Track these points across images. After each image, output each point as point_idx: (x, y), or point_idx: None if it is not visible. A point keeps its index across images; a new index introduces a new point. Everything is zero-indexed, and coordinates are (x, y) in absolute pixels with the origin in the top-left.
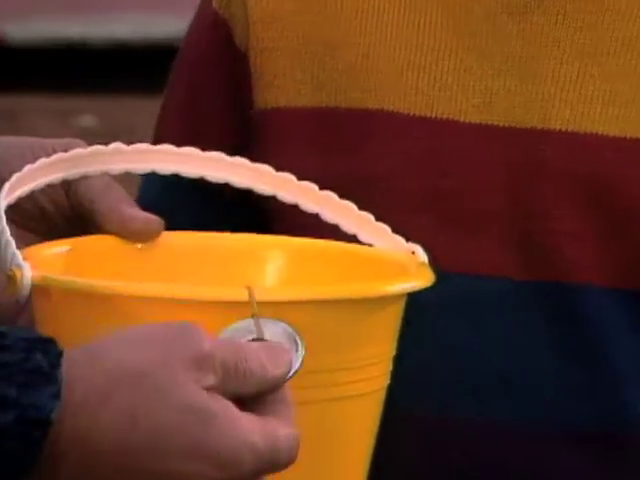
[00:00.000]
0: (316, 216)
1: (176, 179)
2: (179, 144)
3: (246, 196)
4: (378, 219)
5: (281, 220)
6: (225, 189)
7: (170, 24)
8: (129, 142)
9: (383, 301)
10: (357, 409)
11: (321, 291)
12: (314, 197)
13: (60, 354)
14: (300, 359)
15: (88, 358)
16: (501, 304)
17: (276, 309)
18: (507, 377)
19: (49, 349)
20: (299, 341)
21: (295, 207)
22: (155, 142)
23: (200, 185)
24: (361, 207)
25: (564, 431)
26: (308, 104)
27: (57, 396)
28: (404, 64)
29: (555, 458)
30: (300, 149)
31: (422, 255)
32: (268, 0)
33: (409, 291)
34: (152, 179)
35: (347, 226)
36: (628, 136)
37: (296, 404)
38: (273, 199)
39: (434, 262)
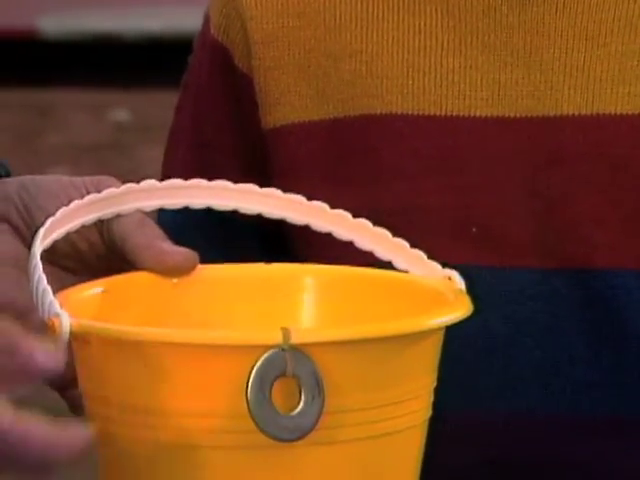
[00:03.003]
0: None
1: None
2: (188, 170)
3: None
4: (395, 222)
5: (308, 243)
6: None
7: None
8: (162, 136)
9: (422, 335)
10: (401, 444)
11: (357, 330)
12: (347, 225)
13: None
14: (320, 402)
15: None
16: (527, 295)
17: (310, 350)
18: (540, 367)
19: None
20: (319, 386)
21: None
22: (164, 167)
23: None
24: (376, 211)
25: (599, 418)
26: (316, 117)
27: None
28: (409, 67)
29: (590, 446)
30: (312, 161)
31: (459, 281)
32: (268, 20)
33: (448, 324)
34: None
35: (382, 253)
36: None
37: (339, 443)
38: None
39: (455, 257)
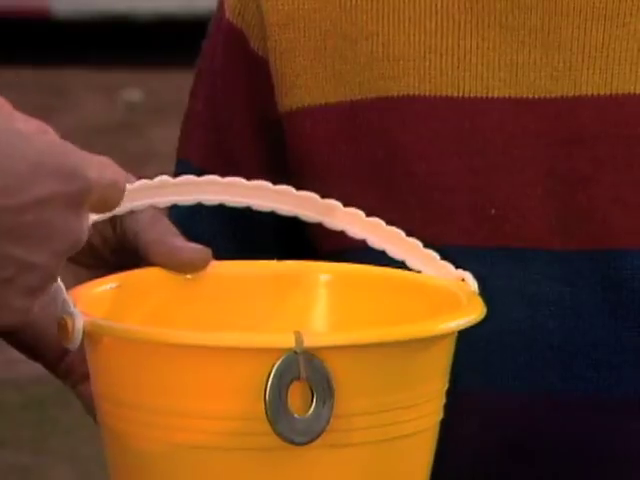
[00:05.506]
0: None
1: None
2: (203, 154)
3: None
4: (413, 204)
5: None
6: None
7: None
8: (175, 116)
9: (434, 339)
10: (413, 447)
11: (369, 335)
12: (360, 224)
13: None
14: (331, 406)
15: None
16: (547, 276)
17: (322, 354)
18: (560, 349)
19: None
20: (330, 389)
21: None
22: (179, 152)
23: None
24: (393, 194)
25: (621, 399)
26: (333, 100)
27: None
28: (425, 49)
29: (611, 428)
30: (329, 143)
31: (472, 283)
32: (283, 2)
33: (460, 328)
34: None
35: (395, 252)
36: None
37: (350, 446)
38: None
39: (473, 238)
